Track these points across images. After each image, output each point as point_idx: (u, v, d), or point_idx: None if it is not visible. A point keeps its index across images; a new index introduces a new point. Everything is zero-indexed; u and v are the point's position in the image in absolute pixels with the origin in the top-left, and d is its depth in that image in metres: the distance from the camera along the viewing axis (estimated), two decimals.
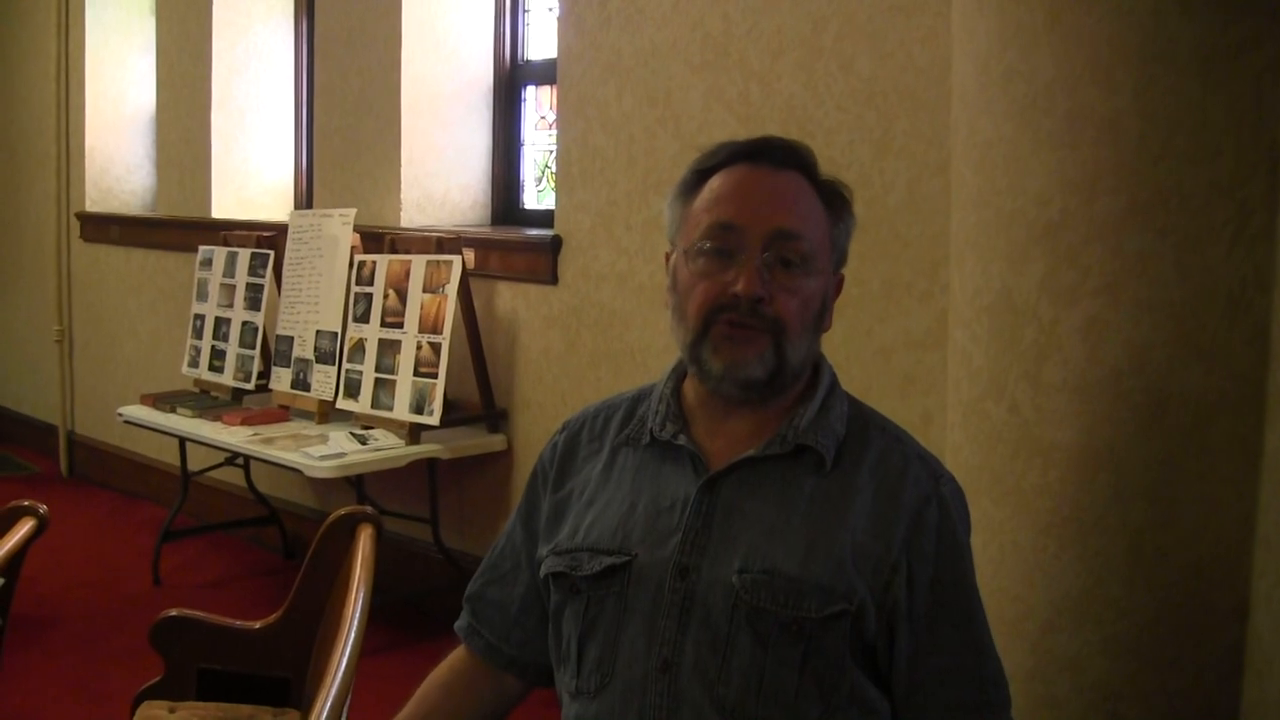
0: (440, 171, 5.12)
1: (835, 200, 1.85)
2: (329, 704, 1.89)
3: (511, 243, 4.70)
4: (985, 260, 2.32)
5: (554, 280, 4.47)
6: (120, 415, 5.38)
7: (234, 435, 4.76)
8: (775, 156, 1.82)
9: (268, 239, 5.36)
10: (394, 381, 4.54)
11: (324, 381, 4.85)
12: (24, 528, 2.67)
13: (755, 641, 1.71)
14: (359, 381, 4.68)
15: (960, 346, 2.41)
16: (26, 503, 2.75)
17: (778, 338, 1.75)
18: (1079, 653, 2.20)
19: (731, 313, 1.75)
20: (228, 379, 5.37)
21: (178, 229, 6.30)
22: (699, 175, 1.85)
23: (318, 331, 4.91)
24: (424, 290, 4.51)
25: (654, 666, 1.75)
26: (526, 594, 1.99)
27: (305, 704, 2.49)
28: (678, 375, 1.92)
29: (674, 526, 1.80)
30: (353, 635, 2.08)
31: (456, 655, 2.08)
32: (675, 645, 1.74)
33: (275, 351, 5.14)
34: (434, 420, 4.39)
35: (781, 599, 1.71)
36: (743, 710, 1.71)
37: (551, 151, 4.89)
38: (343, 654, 2.01)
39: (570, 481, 1.95)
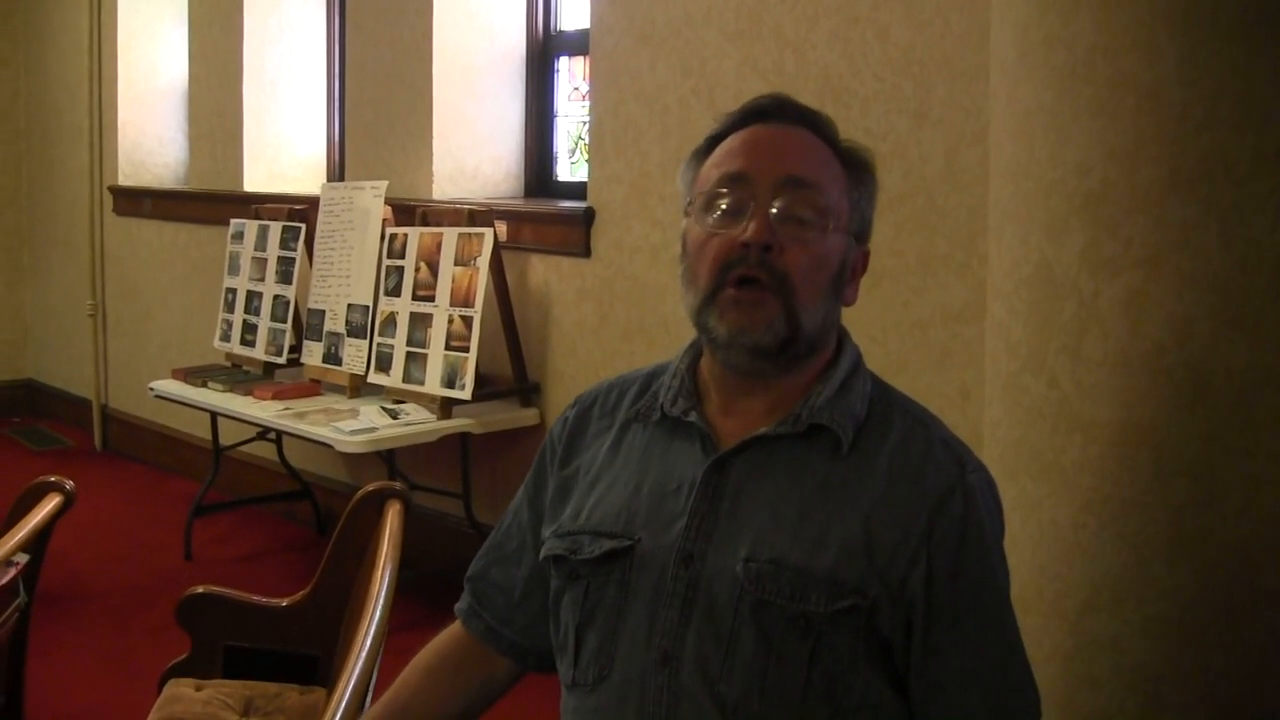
0: (472, 143, 5.10)
1: (855, 162, 1.76)
2: (354, 680, 1.88)
3: (544, 215, 4.68)
4: (1024, 231, 2.27)
5: (587, 253, 4.44)
6: (152, 390, 5.39)
7: (265, 410, 4.77)
8: (790, 114, 1.75)
9: (299, 212, 5.35)
10: (426, 355, 4.52)
11: (355, 355, 4.83)
12: (50, 504, 2.67)
13: (760, 637, 1.60)
14: (390, 355, 4.66)
15: (998, 320, 2.37)
16: (53, 478, 2.75)
17: (788, 300, 1.65)
18: (1119, 633, 2.15)
19: (741, 267, 1.65)
20: (259, 353, 5.37)
21: (210, 202, 6.30)
22: (711, 141, 1.80)
23: (349, 305, 4.90)
24: (456, 263, 4.49)
25: (654, 659, 1.65)
26: (531, 577, 1.89)
27: (333, 682, 2.48)
28: (694, 351, 1.82)
29: (680, 510, 1.70)
30: (378, 612, 2.06)
31: (445, 637, 1.99)
32: (676, 637, 1.64)
33: (307, 325, 5.14)
34: (466, 394, 4.37)
35: (787, 592, 1.60)
36: (745, 710, 1.60)
37: (584, 123, 4.86)
38: (367, 631, 2.00)
39: (578, 459, 1.85)
